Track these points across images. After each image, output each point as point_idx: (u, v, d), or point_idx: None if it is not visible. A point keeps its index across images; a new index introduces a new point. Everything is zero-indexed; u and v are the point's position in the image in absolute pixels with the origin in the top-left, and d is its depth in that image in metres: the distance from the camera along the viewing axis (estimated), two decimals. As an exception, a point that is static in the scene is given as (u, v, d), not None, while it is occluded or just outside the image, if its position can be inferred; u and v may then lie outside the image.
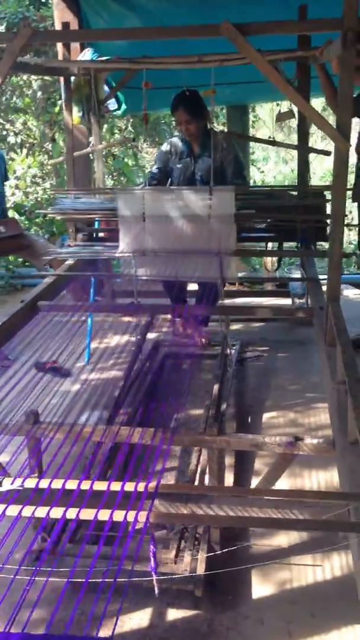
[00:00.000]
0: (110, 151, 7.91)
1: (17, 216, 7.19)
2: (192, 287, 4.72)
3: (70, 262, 4.23)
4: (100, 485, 1.87)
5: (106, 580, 2.23)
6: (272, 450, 2.30)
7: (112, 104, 6.04)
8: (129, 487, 1.79)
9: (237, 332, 4.91)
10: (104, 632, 2.22)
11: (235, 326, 5.05)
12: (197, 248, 3.80)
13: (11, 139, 9.09)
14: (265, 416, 3.70)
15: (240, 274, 6.91)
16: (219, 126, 8.30)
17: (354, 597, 2.27)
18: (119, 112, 6.15)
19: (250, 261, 7.55)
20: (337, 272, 2.76)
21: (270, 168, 14.75)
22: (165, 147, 4.63)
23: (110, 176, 8.22)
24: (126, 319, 4.63)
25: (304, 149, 4.37)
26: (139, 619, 2.27)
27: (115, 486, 1.84)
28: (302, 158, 4.49)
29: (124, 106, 6.02)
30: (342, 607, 2.29)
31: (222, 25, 2.47)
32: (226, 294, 4.82)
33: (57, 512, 1.80)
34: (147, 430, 2.38)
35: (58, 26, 5.31)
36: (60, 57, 5.13)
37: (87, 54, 4.88)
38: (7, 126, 9.57)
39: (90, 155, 5.24)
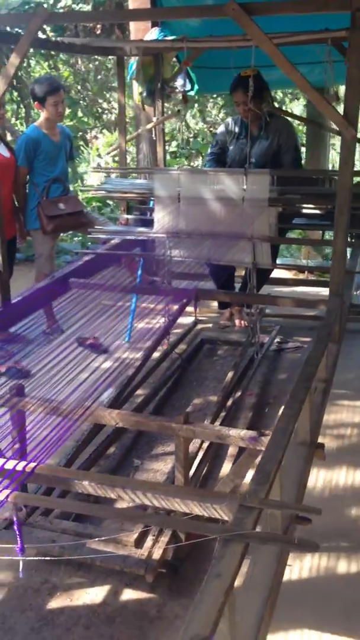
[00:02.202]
0: (187, 133, 7.94)
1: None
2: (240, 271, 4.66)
3: (116, 240, 4.29)
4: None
5: (69, 557, 2.32)
6: (235, 444, 2.25)
7: (186, 84, 6.04)
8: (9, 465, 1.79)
9: (285, 321, 4.78)
10: (59, 602, 2.29)
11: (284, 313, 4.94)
12: (230, 231, 3.74)
13: (106, 117, 9.28)
14: (286, 409, 3.61)
15: (311, 263, 6.74)
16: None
17: (318, 600, 2.22)
18: (192, 93, 6.13)
19: (321, 249, 7.33)
20: (340, 264, 2.63)
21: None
22: (221, 128, 4.58)
23: (187, 157, 8.24)
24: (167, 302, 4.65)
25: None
26: (94, 594, 2.32)
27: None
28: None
29: (196, 86, 6.00)
30: (299, 608, 2.23)
31: (227, 5, 2.40)
32: (275, 281, 4.73)
33: None
34: (121, 412, 2.40)
35: (132, 5, 5.33)
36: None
37: (154, 33, 4.88)
38: (105, 105, 9.77)
39: (153, 135, 5.25)
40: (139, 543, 2.34)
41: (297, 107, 9.81)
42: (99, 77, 8.91)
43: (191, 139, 8.81)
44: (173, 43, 3.78)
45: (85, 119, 8.53)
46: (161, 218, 3.89)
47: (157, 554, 2.29)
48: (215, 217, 3.75)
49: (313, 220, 4.41)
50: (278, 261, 6.23)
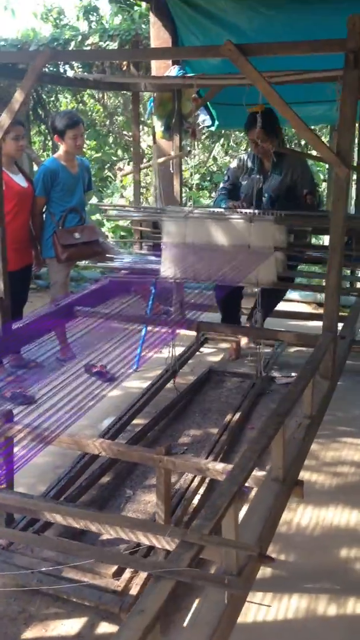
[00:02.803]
0: (207, 166, 8.04)
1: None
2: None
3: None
4: None
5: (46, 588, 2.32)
6: (214, 477, 2.24)
7: (206, 120, 6.14)
8: None
9: (289, 356, 4.76)
10: (34, 632, 2.29)
11: (292, 349, 4.92)
12: (238, 277, 3.75)
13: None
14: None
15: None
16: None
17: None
18: (213, 128, 6.22)
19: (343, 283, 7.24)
20: (334, 301, 2.62)
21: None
22: (234, 163, 4.63)
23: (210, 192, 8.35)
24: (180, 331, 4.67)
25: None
26: (70, 626, 2.30)
27: None
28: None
29: (216, 122, 6.09)
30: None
31: (223, 46, 2.45)
32: (289, 314, 4.72)
33: None
34: (104, 441, 2.42)
35: (154, 43, 5.46)
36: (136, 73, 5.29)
37: (174, 71, 5.00)
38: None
39: (171, 169, 5.32)
40: (117, 574, 2.34)
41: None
42: (129, 109, 9.09)
43: (217, 173, 8.91)
44: (184, 80, 3.86)
45: (113, 151, 8.69)
46: (168, 262, 3.93)
47: (134, 589, 2.27)
48: (223, 263, 3.76)
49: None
50: (296, 296, 6.24)
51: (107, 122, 8.63)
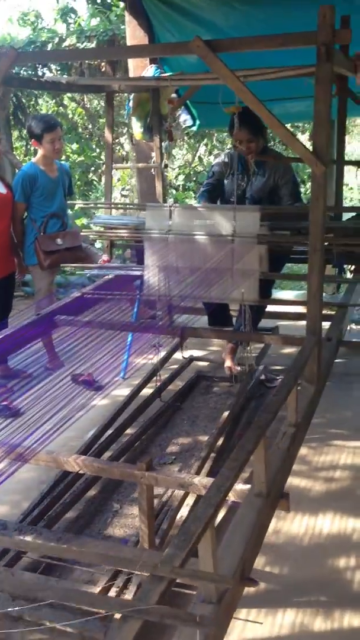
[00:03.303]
0: (192, 167, 7.96)
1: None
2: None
3: (110, 276, 4.26)
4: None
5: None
6: (198, 492, 2.15)
7: (187, 120, 6.05)
8: None
9: (284, 356, 4.67)
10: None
11: (288, 349, 4.83)
12: (220, 267, 3.67)
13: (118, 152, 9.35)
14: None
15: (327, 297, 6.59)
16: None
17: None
18: (194, 128, 6.14)
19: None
20: (316, 302, 2.54)
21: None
22: (218, 159, 4.51)
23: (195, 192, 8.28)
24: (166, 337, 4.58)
25: (339, 163, 4.10)
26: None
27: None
28: (338, 174, 4.22)
29: (197, 122, 6.01)
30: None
31: (192, 42, 2.36)
32: (279, 315, 4.62)
33: None
34: (84, 458, 2.33)
35: (130, 42, 5.37)
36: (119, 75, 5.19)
37: (151, 70, 4.91)
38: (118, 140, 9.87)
39: (152, 171, 5.23)
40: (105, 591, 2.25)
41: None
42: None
43: (202, 173, 8.82)
44: (158, 80, 3.77)
45: (96, 154, 8.61)
46: (151, 254, 3.84)
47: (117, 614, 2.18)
48: (206, 253, 3.69)
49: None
50: (291, 295, 6.12)
51: (90, 125, 8.53)
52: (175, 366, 4.51)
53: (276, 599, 2.40)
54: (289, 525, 2.78)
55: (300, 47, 2.35)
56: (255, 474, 1.84)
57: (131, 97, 5.04)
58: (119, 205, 4.80)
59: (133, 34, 5.30)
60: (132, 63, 5.23)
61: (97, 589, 2.25)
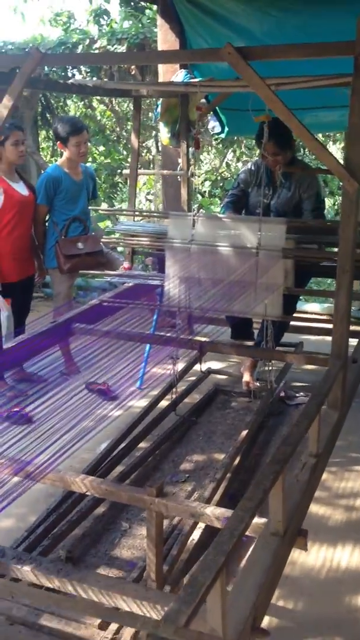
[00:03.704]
0: (219, 173, 7.85)
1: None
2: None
3: (130, 284, 4.16)
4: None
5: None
6: (210, 523, 2.04)
7: (216, 127, 5.94)
8: None
9: (306, 372, 4.53)
10: None
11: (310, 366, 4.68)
12: (244, 281, 3.55)
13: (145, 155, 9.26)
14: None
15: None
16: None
17: None
18: (222, 135, 6.03)
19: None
20: (343, 324, 2.41)
21: None
22: (245, 169, 4.39)
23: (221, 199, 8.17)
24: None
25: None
26: None
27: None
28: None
29: (226, 129, 5.89)
30: None
31: (223, 49, 2.25)
32: (303, 330, 4.47)
33: None
34: (91, 479, 2.23)
35: (161, 46, 5.28)
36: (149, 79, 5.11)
37: (180, 75, 4.81)
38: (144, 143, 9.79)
39: (178, 177, 5.13)
40: (104, 625, 2.14)
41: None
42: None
43: (229, 179, 8.71)
44: (186, 86, 3.66)
45: (123, 157, 8.54)
46: (173, 264, 3.74)
47: (127, 635, 2.07)
48: (229, 264, 3.58)
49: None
50: (317, 307, 5.96)
51: (117, 128, 8.46)
52: (193, 378, 4.40)
53: (288, 636, 2.28)
54: (305, 556, 2.65)
55: (335, 57, 2.23)
56: (272, 512, 1.72)
57: (159, 101, 4.97)
58: (143, 214, 4.68)
59: (164, 37, 5.21)
60: (162, 67, 5.14)
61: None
